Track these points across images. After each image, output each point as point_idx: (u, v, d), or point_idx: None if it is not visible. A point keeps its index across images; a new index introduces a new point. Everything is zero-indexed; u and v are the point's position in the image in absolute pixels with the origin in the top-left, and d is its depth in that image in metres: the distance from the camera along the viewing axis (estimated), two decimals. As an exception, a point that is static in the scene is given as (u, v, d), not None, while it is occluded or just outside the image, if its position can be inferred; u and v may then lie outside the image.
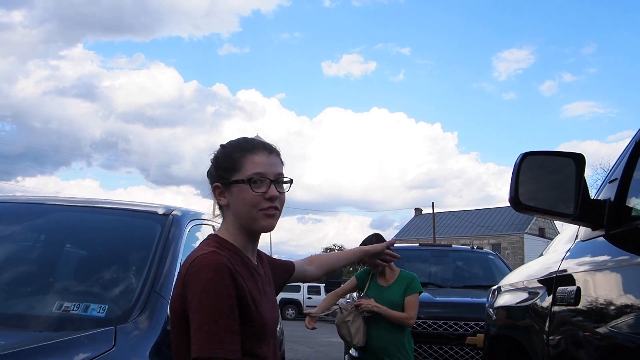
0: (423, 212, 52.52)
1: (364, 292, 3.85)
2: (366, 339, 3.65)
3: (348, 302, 3.92)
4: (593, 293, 1.72)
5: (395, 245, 7.35)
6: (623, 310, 1.50)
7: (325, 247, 61.34)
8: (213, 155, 1.50)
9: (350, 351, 3.84)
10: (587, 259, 1.87)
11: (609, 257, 1.73)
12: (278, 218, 1.44)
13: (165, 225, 2.35)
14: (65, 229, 2.52)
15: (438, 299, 5.11)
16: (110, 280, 2.15)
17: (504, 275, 6.35)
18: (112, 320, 1.80)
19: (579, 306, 1.75)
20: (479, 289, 5.93)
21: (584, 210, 1.76)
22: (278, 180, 1.43)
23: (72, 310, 1.85)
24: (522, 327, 2.34)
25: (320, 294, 29.49)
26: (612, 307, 1.57)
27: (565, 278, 1.90)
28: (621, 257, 1.65)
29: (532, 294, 2.22)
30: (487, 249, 7.33)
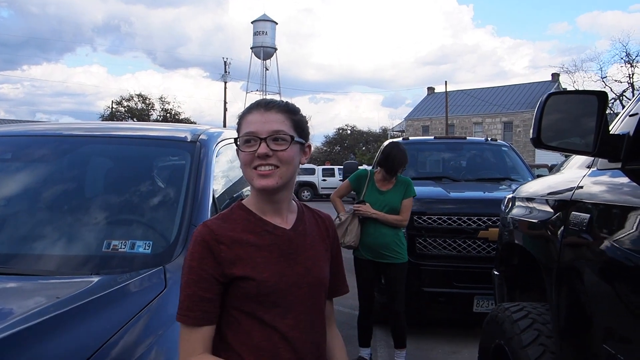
0: (436, 91, 51.80)
1: (362, 195, 4.25)
2: (358, 240, 4.16)
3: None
4: (604, 222, 1.83)
5: (410, 138, 7.45)
6: (633, 241, 1.61)
7: (337, 127, 61.28)
8: None
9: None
10: (602, 189, 1.95)
11: (623, 190, 1.81)
12: (280, 176, 1.36)
13: (194, 153, 2.40)
14: (96, 164, 2.56)
15: (452, 194, 5.24)
16: (148, 215, 2.22)
17: (517, 167, 6.49)
18: (158, 257, 1.90)
19: (590, 233, 1.86)
20: (492, 182, 6.08)
21: (603, 146, 1.82)
22: (276, 137, 1.35)
23: (120, 248, 1.92)
24: (534, 241, 2.49)
25: (334, 176, 30.25)
26: (623, 239, 1.67)
27: (579, 204, 2.00)
28: (635, 191, 1.73)
29: (546, 213, 2.34)
30: (499, 137, 7.37)
